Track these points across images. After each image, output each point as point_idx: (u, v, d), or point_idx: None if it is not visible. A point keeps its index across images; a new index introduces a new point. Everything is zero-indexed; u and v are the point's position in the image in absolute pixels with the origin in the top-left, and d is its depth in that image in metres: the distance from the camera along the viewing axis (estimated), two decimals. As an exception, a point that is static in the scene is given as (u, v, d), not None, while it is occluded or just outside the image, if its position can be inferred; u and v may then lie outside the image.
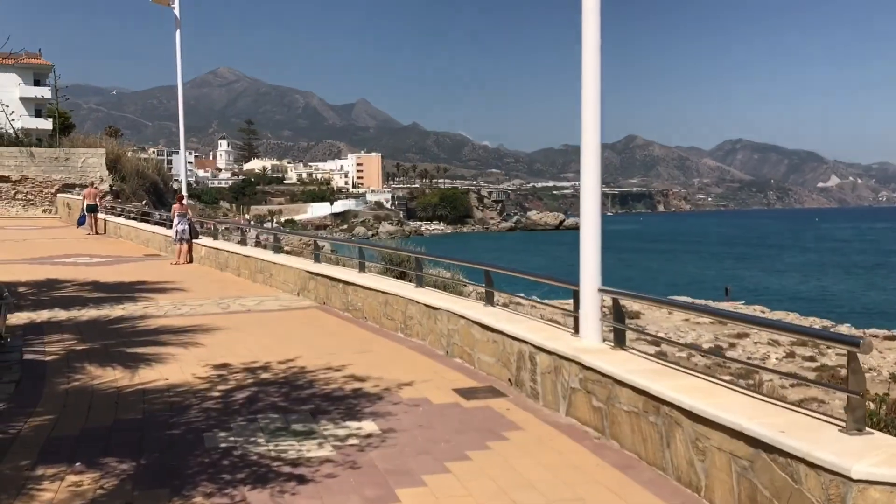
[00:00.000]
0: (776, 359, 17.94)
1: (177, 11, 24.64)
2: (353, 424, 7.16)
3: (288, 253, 19.83)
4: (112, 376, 9.09)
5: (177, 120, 27.26)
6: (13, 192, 42.23)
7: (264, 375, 9.14)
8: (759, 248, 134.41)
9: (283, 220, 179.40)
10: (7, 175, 42.03)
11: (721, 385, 6.07)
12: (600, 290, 7.54)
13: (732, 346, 19.08)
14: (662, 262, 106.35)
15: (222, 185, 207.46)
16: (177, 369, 9.45)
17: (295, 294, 15.82)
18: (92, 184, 36.20)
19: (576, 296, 7.98)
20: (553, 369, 7.69)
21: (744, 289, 68.25)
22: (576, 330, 7.99)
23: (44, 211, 42.72)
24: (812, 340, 19.82)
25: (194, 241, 21.72)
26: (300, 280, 15.65)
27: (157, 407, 7.82)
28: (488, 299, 10.18)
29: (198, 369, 9.43)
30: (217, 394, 8.30)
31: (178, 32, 25.10)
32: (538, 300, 15.43)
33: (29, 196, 42.72)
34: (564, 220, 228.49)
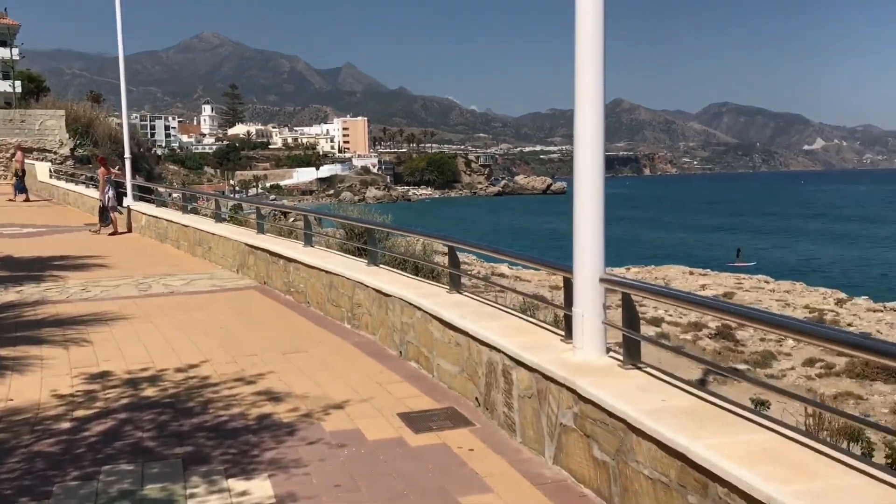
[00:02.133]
0: (793, 339, 15.73)
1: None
2: (238, 485, 4.80)
3: (237, 223, 17.38)
4: (-62, 395, 6.69)
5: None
6: (-37, 156, 39.25)
7: (147, 391, 6.76)
8: (748, 214, 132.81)
9: (268, 185, 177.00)
10: (-44, 139, 39.06)
11: (810, 446, 3.72)
12: (603, 281, 5.18)
13: (742, 326, 16.86)
14: (653, 228, 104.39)
15: (206, 151, 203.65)
16: (35, 382, 7.06)
17: (234, 271, 13.41)
18: (19, 147, 33.20)
19: (567, 286, 5.63)
20: (535, 393, 5.36)
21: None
22: (567, 334, 5.64)
23: (-2, 176, 39.79)
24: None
25: (119, 208, 19.25)
26: (239, 254, 13.23)
27: (-35, 451, 5.43)
28: (453, 284, 7.82)
29: (64, 382, 7.05)
30: (67, 425, 5.93)
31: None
32: (523, 297, 13.11)
33: (-20, 160, 39.75)
34: (552, 185, 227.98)
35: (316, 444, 5.50)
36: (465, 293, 7.79)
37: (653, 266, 26.69)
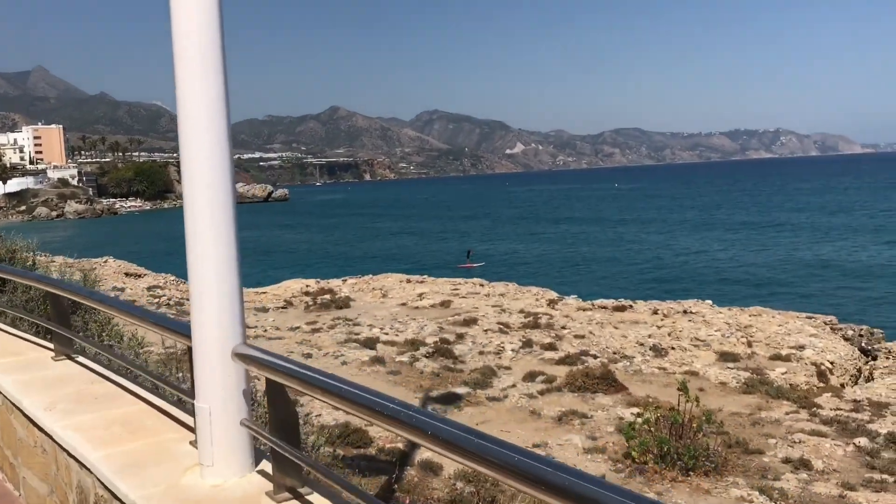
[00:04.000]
0: (511, 350, 14.95)
1: None
2: None
3: None
4: None
5: None
6: None
7: None
8: (465, 216, 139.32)
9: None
10: None
11: None
12: (240, 358, 3.20)
13: (461, 337, 15.78)
14: (379, 233, 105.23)
15: None
16: None
17: None
18: None
19: (192, 360, 3.55)
20: (140, 547, 3.22)
21: (459, 257, 68.16)
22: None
23: None
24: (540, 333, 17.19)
25: None
26: None
27: None
28: (60, 345, 5.39)
29: None
30: None
31: None
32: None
33: None
34: (273, 192, 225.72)
35: None
36: (80, 359, 5.39)
37: (370, 276, 25.34)
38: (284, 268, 60.77)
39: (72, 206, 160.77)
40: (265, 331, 15.51)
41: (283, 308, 18.95)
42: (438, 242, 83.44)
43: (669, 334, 17.02)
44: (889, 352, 17.91)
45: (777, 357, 15.31)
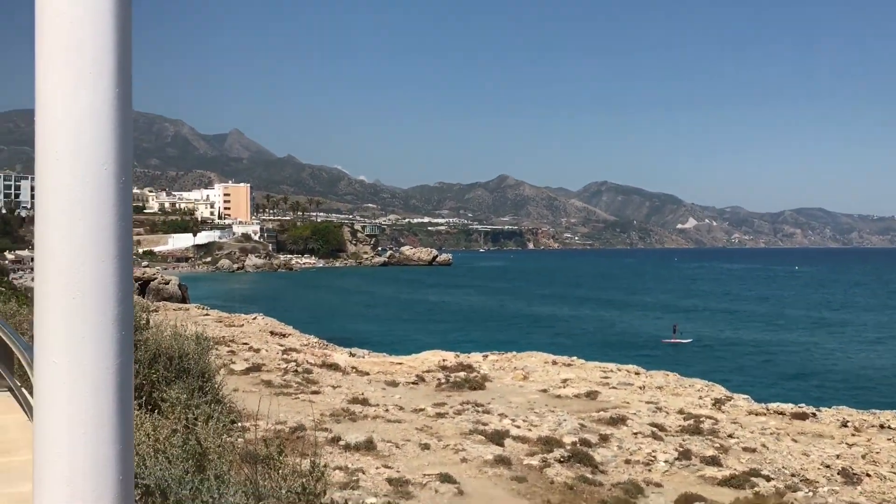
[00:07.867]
0: (665, 461, 12.57)
1: None
2: None
3: None
4: None
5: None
6: None
7: None
8: (635, 290, 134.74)
9: (141, 251, 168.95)
10: None
11: None
12: None
13: (605, 439, 13.54)
14: (533, 303, 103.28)
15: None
16: None
17: None
18: None
19: None
20: None
21: (651, 336, 64.99)
22: None
23: None
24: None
25: None
26: None
27: None
28: None
29: None
30: None
31: None
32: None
33: None
34: (437, 256, 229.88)
35: None
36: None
37: (514, 353, 23.53)
38: (431, 330, 60.18)
39: (251, 260, 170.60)
40: (386, 410, 14.08)
41: (413, 384, 17.54)
42: (597, 320, 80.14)
43: (864, 456, 14.00)
44: None
45: None
